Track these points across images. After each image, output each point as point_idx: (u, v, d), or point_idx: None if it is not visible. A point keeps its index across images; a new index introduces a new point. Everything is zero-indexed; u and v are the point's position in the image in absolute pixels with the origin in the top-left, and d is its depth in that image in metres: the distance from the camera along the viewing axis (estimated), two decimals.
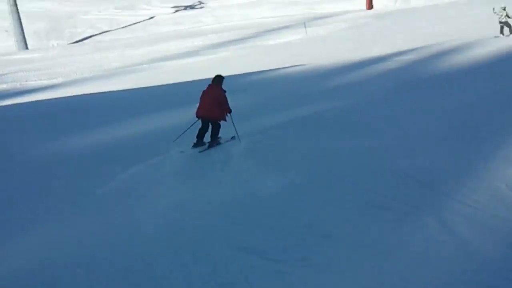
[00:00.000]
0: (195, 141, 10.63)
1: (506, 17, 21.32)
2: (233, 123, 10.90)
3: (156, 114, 15.02)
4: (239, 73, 24.42)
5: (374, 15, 43.54)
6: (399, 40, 26.16)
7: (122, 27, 55.96)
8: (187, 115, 12.66)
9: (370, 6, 49.70)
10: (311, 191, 7.53)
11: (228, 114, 10.83)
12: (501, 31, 21.62)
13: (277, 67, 23.77)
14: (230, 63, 30.12)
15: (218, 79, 10.78)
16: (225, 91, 10.71)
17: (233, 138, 11.06)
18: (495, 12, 21.96)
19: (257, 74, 22.69)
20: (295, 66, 23.23)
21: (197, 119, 10.77)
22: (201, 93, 10.72)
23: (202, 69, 28.96)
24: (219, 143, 10.84)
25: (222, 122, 10.80)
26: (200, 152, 10.46)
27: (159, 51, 38.87)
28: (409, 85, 14.59)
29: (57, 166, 10.41)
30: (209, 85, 10.73)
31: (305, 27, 38.85)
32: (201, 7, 67.93)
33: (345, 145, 9.67)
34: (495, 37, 21.58)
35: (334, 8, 53.01)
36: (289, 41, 36.77)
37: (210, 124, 10.68)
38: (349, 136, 10.31)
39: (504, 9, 21.51)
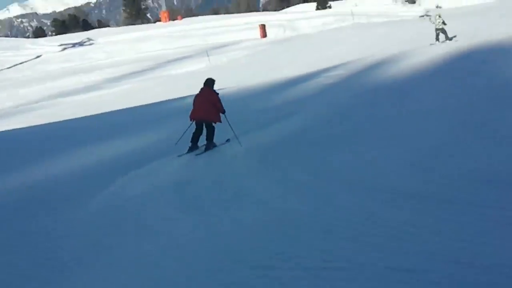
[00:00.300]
0: (190, 145, 10.07)
1: (442, 24, 21.15)
2: (229, 124, 10.42)
3: (78, 148, 12.53)
4: (155, 101, 22.31)
5: (271, 42, 42.98)
6: (312, 60, 25.12)
7: (8, 67, 50.97)
8: (118, 146, 11.46)
9: (264, 34, 49.49)
10: (371, 211, 5.24)
11: (223, 115, 10.34)
12: (437, 38, 21.33)
13: (192, 93, 21.83)
14: (137, 94, 27.66)
15: (210, 81, 10.42)
16: (217, 93, 10.27)
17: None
18: (431, 21, 21.79)
19: (177, 101, 20.55)
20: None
21: (191, 122, 10.28)
22: (193, 97, 10.37)
23: (107, 102, 26.38)
24: (215, 146, 10.27)
25: (217, 124, 10.24)
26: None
27: (55, 87, 35.49)
28: (368, 95, 13.08)
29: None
30: (201, 88, 10.35)
31: (207, 55, 37.29)
32: (91, 44, 64.36)
33: (350, 157, 7.80)
34: (431, 44, 21.20)
35: (226, 38, 52.21)
36: (193, 70, 34.90)
37: (204, 126, 10.15)
38: (355, 147, 8.37)
39: (440, 16, 21.38)
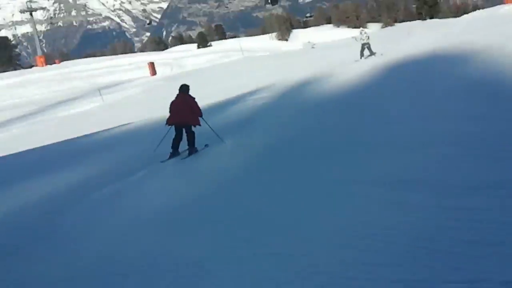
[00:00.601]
0: (171, 151, 9.92)
1: (368, 39, 20.87)
2: (210, 126, 10.50)
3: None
4: (59, 140, 19.49)
5: (162, 78, 41.07)
6: (221, 89, 23.75)
7: None
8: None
9: (153, 72, 47.54)
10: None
11: (201, 118, 10.23)
12: (361, 54, 21.03)
13: (99, 130, 19.43)
14: (30, 138, 24.07)
15: (185, 87, 10.33)
16: (193, 97, 10.19)
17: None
18: (359, 39, 21.41)
19: (86, 137, 18.08)
20: (124, 124, 19.16)
21: (169, 127, 10.15)
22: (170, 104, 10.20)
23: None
24: (196, 150, 10.09)
25: (196, 128, 10.11)
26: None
27: None
28: (313, 110, 12.08)
29: None
30: (177, 95, 10.24)
31: (100, 94, 34.44)
32: None
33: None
34: (356, 61, 20.84)
35: (114, 78, 49.40)
36: (87, 109, 31.80)
37: (184, 131, 10.00)
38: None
39: (365, 32, 21.19)
